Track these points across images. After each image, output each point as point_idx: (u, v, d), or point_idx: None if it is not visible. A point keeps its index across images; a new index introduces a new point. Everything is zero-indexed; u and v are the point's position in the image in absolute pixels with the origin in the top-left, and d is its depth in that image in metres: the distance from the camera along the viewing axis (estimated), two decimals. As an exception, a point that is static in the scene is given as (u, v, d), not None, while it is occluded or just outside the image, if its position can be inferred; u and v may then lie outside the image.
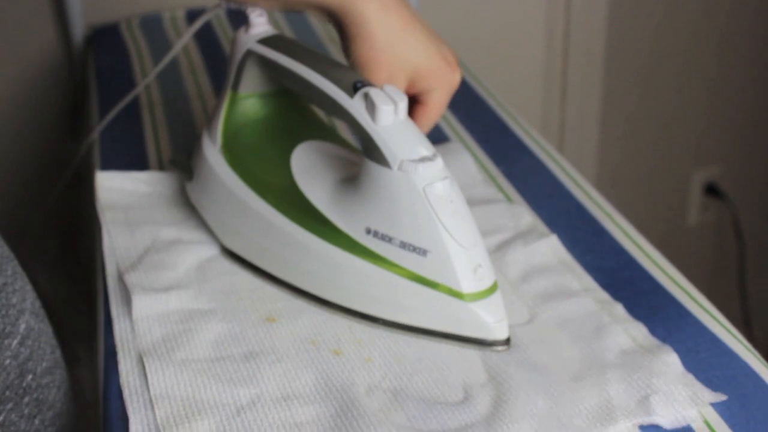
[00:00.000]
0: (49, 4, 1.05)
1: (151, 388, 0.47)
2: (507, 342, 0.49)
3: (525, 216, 0.62)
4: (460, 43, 1.02)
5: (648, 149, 1.45)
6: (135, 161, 0.71)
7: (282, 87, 0.58)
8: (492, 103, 0.83)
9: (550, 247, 0.58)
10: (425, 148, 0.49)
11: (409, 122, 0.51)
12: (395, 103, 0.49)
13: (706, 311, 0.53)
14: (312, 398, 0.46)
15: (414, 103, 0.55)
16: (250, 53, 0.56)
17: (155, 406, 0.46)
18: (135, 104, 0.82)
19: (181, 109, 0.81)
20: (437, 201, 0.48)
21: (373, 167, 0.49)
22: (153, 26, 1.01)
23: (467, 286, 0.49)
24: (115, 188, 0.64)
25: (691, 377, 0.47)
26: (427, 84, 0.54)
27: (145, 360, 0.48)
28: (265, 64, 0.55)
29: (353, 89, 0.50)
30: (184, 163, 0.62)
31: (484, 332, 0.49)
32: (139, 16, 1.04)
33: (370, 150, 0.50)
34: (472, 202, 0.64)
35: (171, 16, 1.04)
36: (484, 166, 0.71)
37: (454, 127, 0.77)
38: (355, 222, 0.50)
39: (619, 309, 0.53)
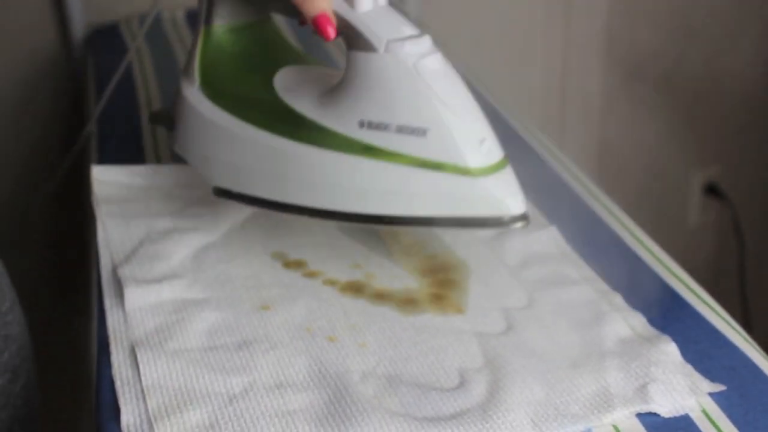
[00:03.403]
0: (49, 4, 1.06)
1: (143, 378, 0.46)
2: (525, 218, 0.47)
3: (523, 207, 0.62)
4: (461, 43, 1.03)
5: (648, 149, 1.45)
6: (132, 157, 0.71)
7: (257, 18, 0.57)
8: (492, 100, 0.82)
9: (550, 238, 0.58)
10: (410, 28, 0.48)
11: (390, 8, 0.49)
12: None
13: (705, 303, 0.53)
14: (305, 385, 0.46)
15: None
16: None
17: (147, 397, 0.45)
18: (133, 100, 0.82)
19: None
20: (430, 75, 0.46)
21: (358, 56, 0.47)
22: (153, 26, 1.01)
23: (474, 161, 0.46)
24: (110, 182, 0.64)
25: (689, 367, 0.47)
26: None
27: (137, 350, 0.48)
28: None
29: None
30: (164, 115, 0.60)
31: (499, 208, 0.46)
32: (139, 16, 1.05)
33: (353, 39, 0.48)
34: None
35: (171, 17, 1.04)
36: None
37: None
38: (347, 119, 0.48)
39: (617, 299, 0.53)
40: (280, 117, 0.51)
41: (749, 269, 1.50)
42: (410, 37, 0.47)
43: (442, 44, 0.96)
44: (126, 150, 0.73)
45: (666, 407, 0.44)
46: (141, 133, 0.76)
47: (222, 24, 0.56)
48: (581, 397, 0.45)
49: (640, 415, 0.44)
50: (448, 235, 0.59)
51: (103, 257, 0.57)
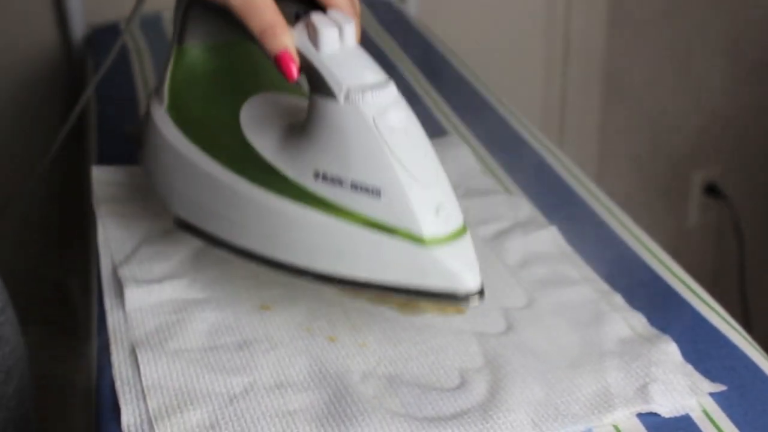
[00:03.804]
0: (49, 5, 1.06)
1: (143, 378, 0.46)
2: (481, 294, 0.43)
3: (524, 207, 0.62)
4: (461, 42, 1.03)
5: (648, 149, 1.45)
6: (132, 157, 0.71)
7: (231, 38, 0.54)
8: (491, 99, 0.82)
9: (550, 238, 0.58)
10: (375, 74, 0.44)
11: (359, 49, 0.45)
12: (340, 27, 0.44)
13: (705, 302, 0.53)
14: (306, 386, 0.46)
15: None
16: (193, 2, 0.52)
17: (147, 397, 0.45)
18: (133, 99, 0.82)
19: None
20: (389, 132, 0.43)
21: (318, 101, 0.44)
22: (153, 26, 1.01)
23: (429, 229, 0.42)
24: (110, 182, 0.64)
25: (689, 367, 0.47)
26: None
27: (137, 351, 0.48)
28: (208, 9, 0.49)
29: (295, 18, 0.45)
30: (137, 132, 0.58)
31: (452, 282, 0.43)
32: (139, 16, 1.05)
33: (314, 82, 0.44)
34: (470, 194, 0.64)
35: (171, 17, 1.04)
36: (483, 159, 0.70)
37: (452, 121, 0.77)
38: (302, 167, 0.45)
39: (618, 299, 0.53)
40: (240, 154, 0.48)
41: (749, 269, 1.50)
42: (374, 86, 0.43)
43: (441, 44, 0.95)
44: (126, 150, 0.73)
45: (666, 407, 0.44)
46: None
47: (196, 43, 0.54)
48: (582, 397, 0.45)
49: (640, 415, 0.44)
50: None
51: (103, 257, 0.57)
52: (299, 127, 0.46)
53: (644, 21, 1.35)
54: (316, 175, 0.44)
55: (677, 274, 0.56)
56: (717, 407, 0.45)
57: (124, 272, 0.54)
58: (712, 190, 1.50)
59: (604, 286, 0.54)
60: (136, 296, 0.52)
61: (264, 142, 0.48)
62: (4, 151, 1.11)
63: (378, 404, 0.44)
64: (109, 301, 0.53)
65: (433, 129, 0.76)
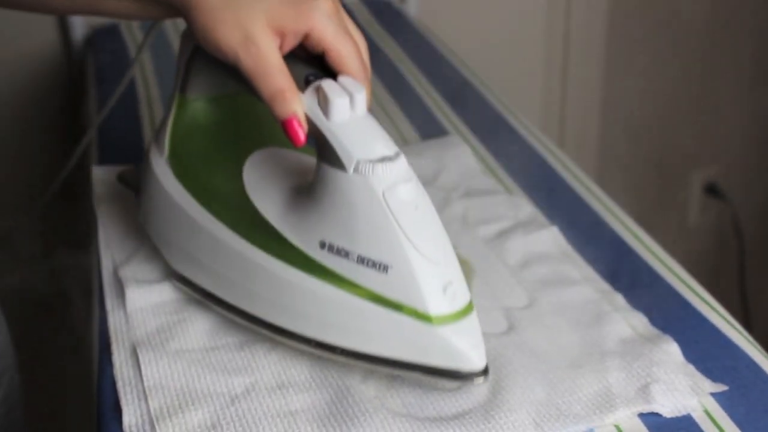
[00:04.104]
0: (49, 5, 1.05)
1: (144, 379, 0.46)
2: (485, 372, 0.43)
3: (525, 207, 0.62)
4: (461, 42, 1.03)
5: (648, 149, 1.45)
6: (132, 157, 0.71)
7: (236, 89, 0.52)
8: (492, 99, 0.83)
9: (551, 238, 0.58)
10: (386, 146, 0.43)
11: (369, 118, 0.44)
12: (351, 96, 0.43)
13: (706, 302, 0.53)
14: (307, 386, 0.46)
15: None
16: (198, 51, 0.50)
17: (148, 397, 0.45)
18: (133, 100, 0.82)
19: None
20: (399, 207, 0.42)
21: (327, 171, 0.43)
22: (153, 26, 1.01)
23: (435, 308, 0.42)
24: (111, 182, 0.64)
25: (691, 367, 0.47)
26: (299, 24, 0.43)
27: (138, 351, 0.48)
28: (213, 60, 0.48)
29: (305, 83, 0.44)
30: (132, 177, 0.57)
31: (457, 361, 0.42)
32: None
33: (323, 151, 0.43)
34: (470, 193, 0.64)
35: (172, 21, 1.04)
36: (483, 159, 0.70)
37: (453, 121, 0.77)
38: (308, 235, 0.44)
39: (619, 299, 0.53)
40: (243, 215, 0.47)
41: (749, 269, 1.50)
42: (384, 159, 0.42)
43: (441, 44, 0.95)
44: (126, 150, 0.73)
45: (668, 407, 0.44)
46: (141, 133, 0.76)
47: (199, 94, 0.53)
48: (583, 397, 0.45)
49: (642, 415, 0.44)
50: (450, 234, 0.59)
51: (104, 258, 0.57)
52: (305, 191, 0.46)
53: (644, 21, 1.35)
54: (322, 245, 0.44)
55: (678, 274, 0.56)
56: (718, 407, 0.45)
57: (125, 272, 0.54)
58: (712, 190, 1.50)
59: (605, 286, 0.54)
60: (137, 296, 0.52)
61: (268, 204, 0.47)
62: (3, 151, 1.10)
63: (379, 404, 0.44)
64: (109, 301, 0.53)
65: (434, 129, 0.76)
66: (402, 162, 0.43)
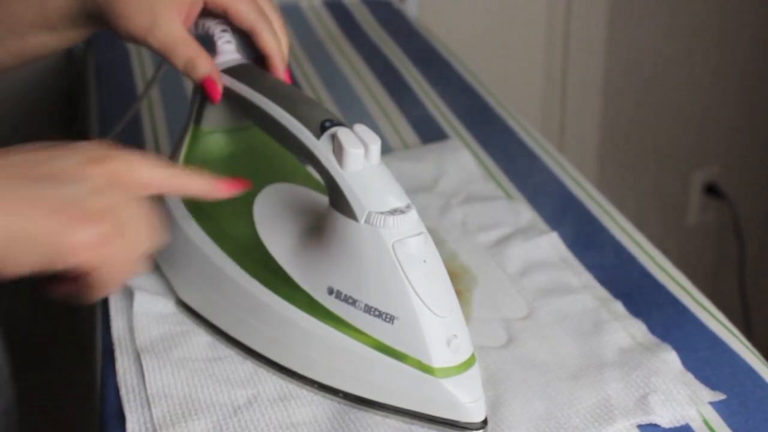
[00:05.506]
0: (49, 4, 1.05)
1: (148, 386, 0.46)
2: (484, 424, 0.44)
3: (525, 212, 0.62)
4: (461, 42, 1.03)
5: (648, 149, 1.45)
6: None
7: (247, 123, 0.53)
8: (492, 102, 0.82)
9: (551, 244, 0.58)
10: (398, 198, 0.44)
11: (383, 168, 0.45)
12: (366, 146, 0.43)
13: (706, 309, 0.53)
14: (309, 399, 0.46)
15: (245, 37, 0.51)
16: None
17: (152, 405, 0.45)
18: (134, 101, 0.82)
19: (180, 108, 0.80)
20: (408, 260, 0.42)
21: (338, 219, 0.44)
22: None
23: (439, 360, 0.43)
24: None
25: (690, 376, 0.47)
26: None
27: (142, 358, 0.48)
28: (229, 96, 0.50)
29: (320, 129, 0.44)
30: None
31: (458, 413, 0.43)
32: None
33: (336, 199, 0.44)
34: (470, 199, 0.64)
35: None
36: (484, 164, 0.70)
37: (453, 125, 0.77)
38: (317, 280, 0.45)
39: (618, 306, 0.53)
40: (252, 253, 0.48)
41: (749, 269, 1.50)
42: (395, 211, 0.43)
43: (441, 44, 0.94)
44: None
45: (666, 418, 0.45)
46: (142, 133, 0.76)
47: (212, 127, 0.53)
48: (582, 410, 0.45)
49: (641, 427, 0.44)
50: (450, 242, 0.59)
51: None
52: (315, 234, 0.46)
53: (644, 22, 1.35)
54: (330, 292, 0.45)
55: (678, 280, 0.56)
56: (717, 416, 0.45)
57: (132, 280, 0.54)
58: (712, 190, 1.50)
59: (605, 293, 0.54)
60: (144, 301, 0.52)
61: (278, 244, 0.48)
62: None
63: (381, 419, 0.44)
64: (113, 306, 0.53)
65: (434, 132, 0.76)
66: (413, 215, 0.43)
